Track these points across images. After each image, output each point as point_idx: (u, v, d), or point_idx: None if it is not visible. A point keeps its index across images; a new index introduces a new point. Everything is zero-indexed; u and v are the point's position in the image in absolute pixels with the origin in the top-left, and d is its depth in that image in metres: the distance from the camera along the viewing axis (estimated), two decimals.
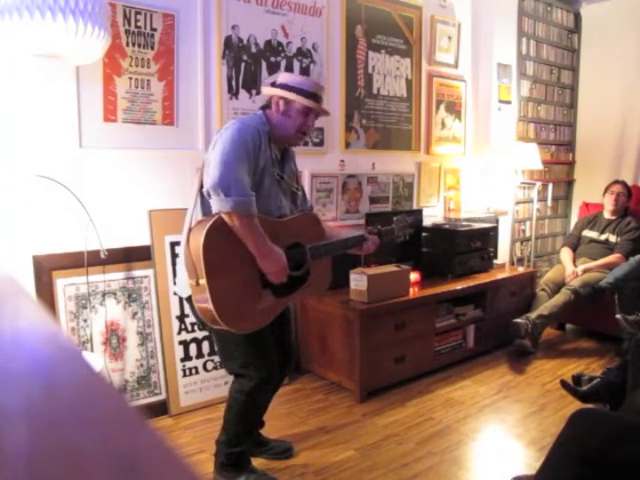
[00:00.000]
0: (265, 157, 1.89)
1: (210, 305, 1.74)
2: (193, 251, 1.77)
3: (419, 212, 3.56)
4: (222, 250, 1.77)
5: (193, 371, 2.66)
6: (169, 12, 2.58)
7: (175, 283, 2.19)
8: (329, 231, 2.18)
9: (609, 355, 3.46)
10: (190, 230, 1.83)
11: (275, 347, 2.01)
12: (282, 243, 1.89)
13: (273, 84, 2.03)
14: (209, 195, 1.78)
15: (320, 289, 2.15)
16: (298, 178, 2.18)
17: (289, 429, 2.49)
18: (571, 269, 3.74)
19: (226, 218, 1.74)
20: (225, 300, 1.76)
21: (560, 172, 4.90)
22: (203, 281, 1.73)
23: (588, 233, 3.99)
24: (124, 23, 2.45)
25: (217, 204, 1.74)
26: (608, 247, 3.84)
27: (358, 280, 2.86)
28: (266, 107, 2.01)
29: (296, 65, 3.08)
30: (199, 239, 1.73)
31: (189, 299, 1.87)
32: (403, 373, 2.99)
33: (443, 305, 3.24)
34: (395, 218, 2.32)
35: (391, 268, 3.00)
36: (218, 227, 1.74)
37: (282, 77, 2.05)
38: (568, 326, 4.05)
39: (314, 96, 1.99)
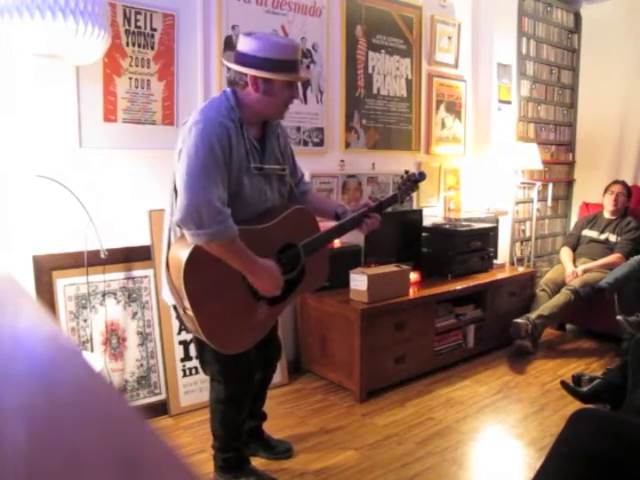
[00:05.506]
0: (239, 152, 1.69)
1: (202, 336, 1.67)
2: (174, 278, 1.65)
3: (419, 212, 3.56)
4: (205, 278, 1.64)
5: (193, 371, 2.66)
6: (169, 12, 2.58)
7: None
8: (327, 208, 2.03)
9: (609, 355, 3.46)
10: (169, 247, 1.71)
11: (258, 347, 1.89)
12: (272, 249, 1.78)
13: (239, 55, 1.70)
14: (180, 227, 1.62)
15: (317, 283, 2.01)
16: (284, 154, 1.92)
17: (289, 429, 2.49)
18: (571, 269, 3.74)
19: (205, 247, 1.60)
20: (217, 327, 1.68)
21: (560, 172, 4.90)
22: (190, 312, 1.64)
23: (588, 233, 3.98)
24: (124, 23, 2.45)
25: (191, 238, 1.58)
26: (608, 247, 3.84)
27: (358, 280, 2.86)
28: (235, 83, 1.72)
29: None
30: (179, 268, 1.60)
31: (175, 307, 1.78)
32: (403, 373, 2.99)
33: (443, 305, 3.24)
34: (399, 182, 2.05)
35: (391, 268, 3.00)
36: (196, 255, 1.61)
37: (247, 44, 1.67)
38: (568, 326, 4.05)
39: (293, 63, 1.70)
